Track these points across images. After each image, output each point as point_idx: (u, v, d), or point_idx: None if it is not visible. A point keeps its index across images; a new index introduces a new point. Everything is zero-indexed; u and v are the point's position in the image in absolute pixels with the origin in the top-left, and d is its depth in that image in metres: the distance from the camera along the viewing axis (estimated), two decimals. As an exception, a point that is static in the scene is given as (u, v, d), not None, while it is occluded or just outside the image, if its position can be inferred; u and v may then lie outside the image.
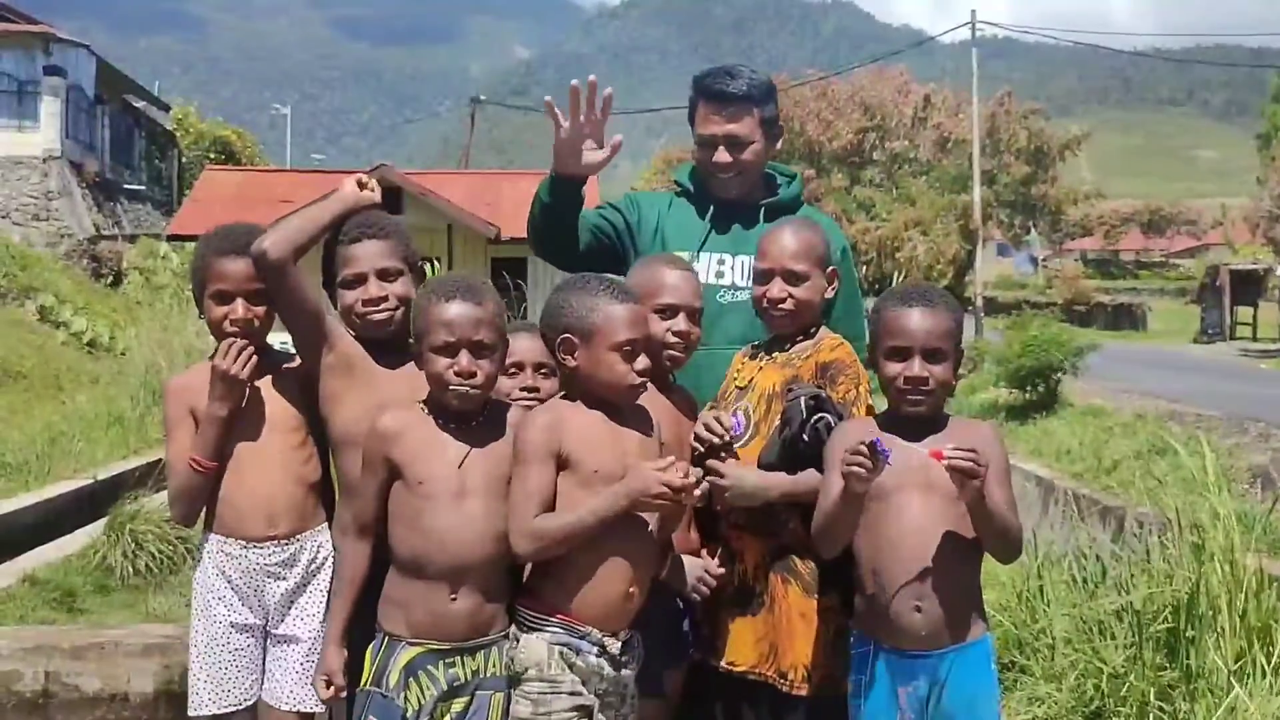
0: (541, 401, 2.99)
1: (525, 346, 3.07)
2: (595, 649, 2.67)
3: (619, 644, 2.71)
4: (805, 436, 2.89)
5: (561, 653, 2.65)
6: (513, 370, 3.06)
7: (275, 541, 3.02)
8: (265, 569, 3.02)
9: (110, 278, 23.59)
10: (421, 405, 2.78)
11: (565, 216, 3.41)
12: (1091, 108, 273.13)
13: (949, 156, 41.86)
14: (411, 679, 2.66)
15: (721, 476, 2.95)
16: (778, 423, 3.00)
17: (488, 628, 2.71)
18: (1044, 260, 64.91)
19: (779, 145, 3.64)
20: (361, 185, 3.08)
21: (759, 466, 3.00)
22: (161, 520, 7.03)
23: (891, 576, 2.76)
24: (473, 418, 2.77)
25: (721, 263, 3.45)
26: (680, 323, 3.02)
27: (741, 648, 3.02)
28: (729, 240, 3.48)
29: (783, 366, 3.08)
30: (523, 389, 3.07)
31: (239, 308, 3.02)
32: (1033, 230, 49.71)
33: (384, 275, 2.97)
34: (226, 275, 3.02)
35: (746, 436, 3.05)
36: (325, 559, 3.07)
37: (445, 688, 2.67)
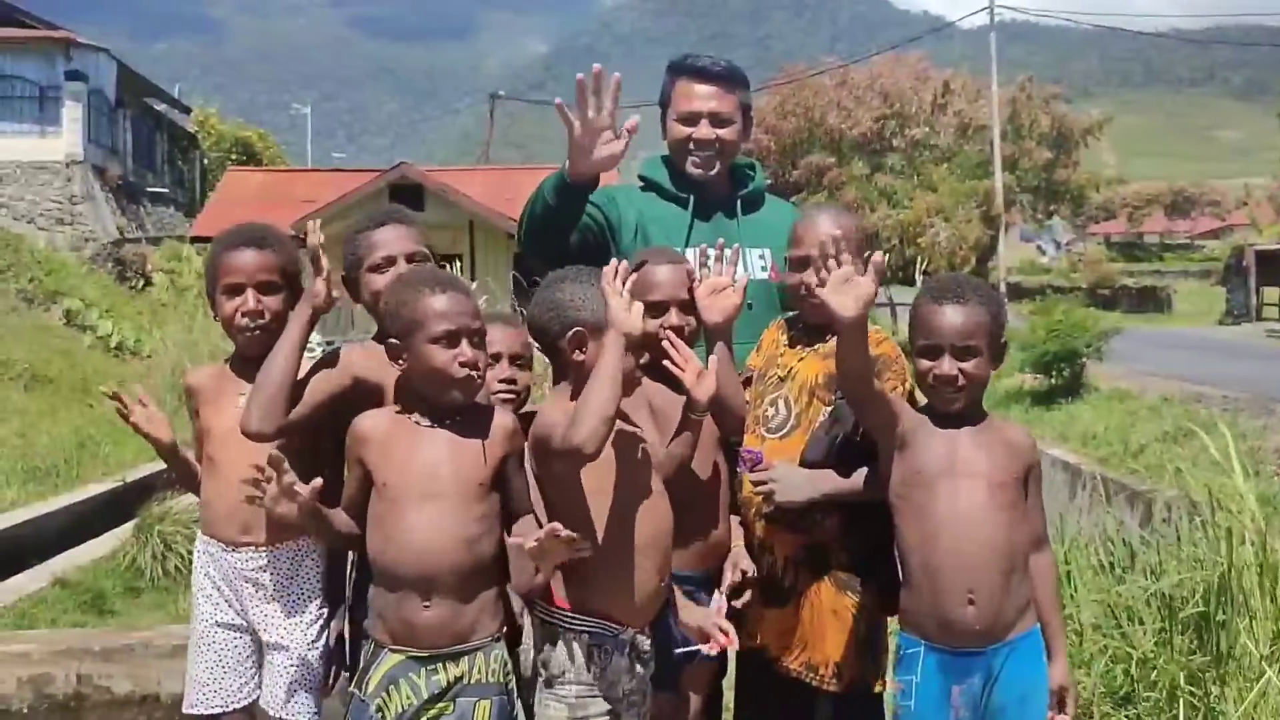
0: (518, 394, 2.95)
1: (502, 337, 2.96)
2: (626, 646, 2.63)
3: (647, 640, 2.68)
4: (857, 437, 2.87)
5: (597, 654, 2.60)
6: (489, 361, 2.84)
7: (252, 547, 2.96)
8: (242, 573, 2.97)
9: (135, 281, 23.71)
10: (396, 407, 2.70)
11: (568, 221, 3.28)
12: (1112, 90, 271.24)
13: (970, 143, 41.54)
14: (392, 686, 2.57)
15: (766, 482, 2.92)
16: (824, 420, 2.96)
17: (467, 635, 2.59)
18: (1068, 244, 64.53)
19: (749, 137, 3.57)
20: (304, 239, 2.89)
21: (802, 463, 2.96)
22: (190, 521, 7.09)
23: (942, 569, 2.67)
24: (446, 417, 2.65)
25: (707, 256, 3.31)
26: (672, 317, 2.94)
27: (767, 635, 3.02)
28: (712, 233, 3.36)
29: (825, 358, 2.98)
30: (501, 380, 2.95)
31: (249, 299, 2.94)
32: (1055, 215, 49.36)
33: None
34: (235, 267, 2.95)
35: (788, 427, 3.03)
36: (312, 571, 3.00)
37: (427, 695, 2.58)
